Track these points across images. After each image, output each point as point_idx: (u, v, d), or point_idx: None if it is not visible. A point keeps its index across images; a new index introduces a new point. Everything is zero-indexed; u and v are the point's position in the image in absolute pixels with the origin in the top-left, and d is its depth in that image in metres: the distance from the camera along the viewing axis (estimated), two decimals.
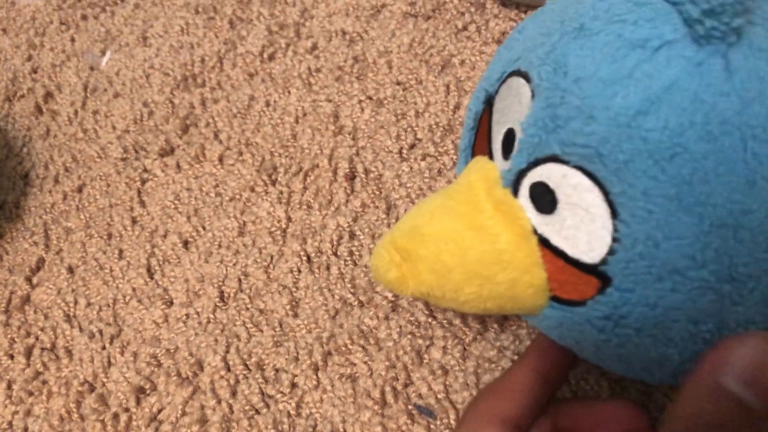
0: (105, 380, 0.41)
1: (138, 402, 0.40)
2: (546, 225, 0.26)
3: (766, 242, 0.23)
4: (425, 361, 0.38)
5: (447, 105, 0.46)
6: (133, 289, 0.44)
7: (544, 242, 0.27)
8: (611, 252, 0.24)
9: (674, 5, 0.23)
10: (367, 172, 0.45)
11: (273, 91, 0.50)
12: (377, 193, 0.44)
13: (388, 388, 0.37)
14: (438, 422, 0.36)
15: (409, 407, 0.36)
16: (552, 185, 0.25)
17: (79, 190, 0.50)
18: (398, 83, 0.48)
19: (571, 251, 0.26)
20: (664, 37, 0.23)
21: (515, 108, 0.28)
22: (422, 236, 0.29)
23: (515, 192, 0.27)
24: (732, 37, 0.22)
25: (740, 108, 0.22)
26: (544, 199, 0.26)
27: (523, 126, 0.26)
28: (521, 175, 0.27)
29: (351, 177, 0.45)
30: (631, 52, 0.24)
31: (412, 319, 0.39)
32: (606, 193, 0.24)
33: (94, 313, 0.44)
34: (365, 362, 0.38)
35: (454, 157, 0.43)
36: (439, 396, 0.36)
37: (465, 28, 0.49)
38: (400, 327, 0.39)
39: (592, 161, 0.24)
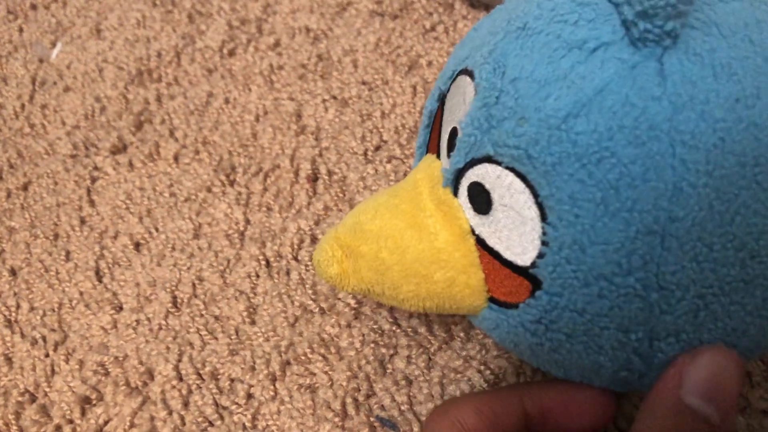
0: (47, 390, 0.38)
1: (83, 413, 0.37)
2: (483, 226, 0.26)
3: (693, 251, 0.23)
4: (388, 371, 0.36)
5: (414, 106, 0.44)
6: (80, 293, 0.42)
7: (481, 243, 0.27)
8: (540, 255, 0.24)
9: (615, 6, 0.23)
10: (330, 173, 0.43)
11: (233, 88, 0.48)
12: (341, 195, 0.42)
13: (349, 400, 0.35)
14: None
15: (371, 419, 0.35)
16: (487, 186, 0.25)
17: (25, 187, 0.47)
18: (364, 83, 0.46)
19: (505, 253, 0.26)
20: (601, 38, 0.23)
21: (460, 107, 0.27)
22: (363, 232, 0.29)
23: (455, 191, 0.27)
24: (667, 40, 0.22)
25: (671, 113, 0.22)
26: (481, 199, 0.26)
27: (461, 125, 0.26)
28: (459, 174, 0.27)
29: (313, 178, 0.43)
30: (569, 54, 0.23)
31: (375, 327, 0.37)
32: (536, 196, 0.24)
33: (37, 318, 0.41)
34: (325, 372, 0.36)
35: None
36: (402, 408, 0.35)
37: (433, 29, 0.48)
38: (363, 335, 0.37)
39: (522, 163, 0.24)
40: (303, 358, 0.37)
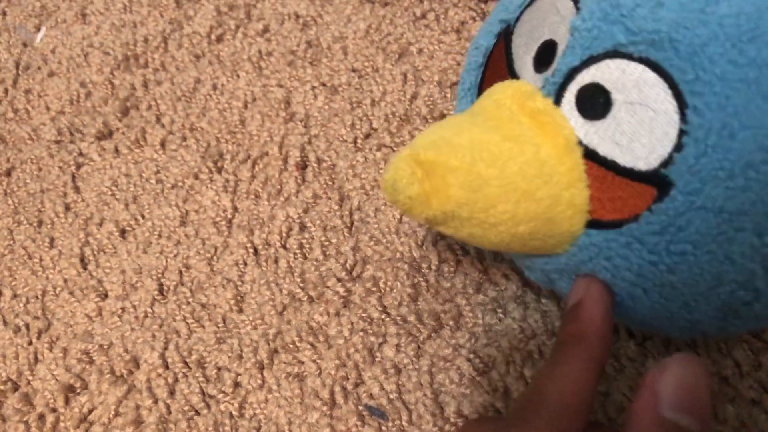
0: (30, 378, 0.38)
1: (67, 402, 0.37)
2: (594, 133, 0.25)
3: None
4: (377, 359, 0.36)
5: (404, 94, 0.44)
6: (65, 281, 0.41)
7: (589, 155, 0.25)
8: (678, 148, 0.23)
9: None
10: (319, 161, 0.43)
11: (221, 74, 0.48)
12: (330, 183, 0.42)
13: (337, 388, 0.35)
14: (390, 424, 0.34)
15: (360, 408, 0.34)
16: (607, 85, 0.24)
17: (8, 173, 0.46)
18: (353, 70, 0.46)
19: (624, 159, 0.24)
20: None
21: (552, 20, 0.26)
22: (452, 146, 0.25)
23: (557, 100, 0.25)
24: None
25: None
26: (595, 102, 0.24)
27: (575, 24, 0.25)
28: (569, 78, 0.25)
29: (302, 166, 0.43)
30: None
31: (364, 315, 0.37)
32: (674, 86, 0.23)
33: (20, 305, 0.40)
34: (314, 360, 0.36)
35: None
36: (391, 396, 0.35)
37: (423, 16, 0.47)
38: (352, 324, 0.37)
39: (662, 48, 0.23)
40: (291, 346, 0.36)
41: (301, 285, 0.38)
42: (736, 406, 0.32)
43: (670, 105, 0.23)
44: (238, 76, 0.47)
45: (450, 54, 0.45)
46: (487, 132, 0.25)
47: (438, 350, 0.35)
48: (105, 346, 0.38)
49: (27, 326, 0.39)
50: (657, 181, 0.24)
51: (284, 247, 0.40)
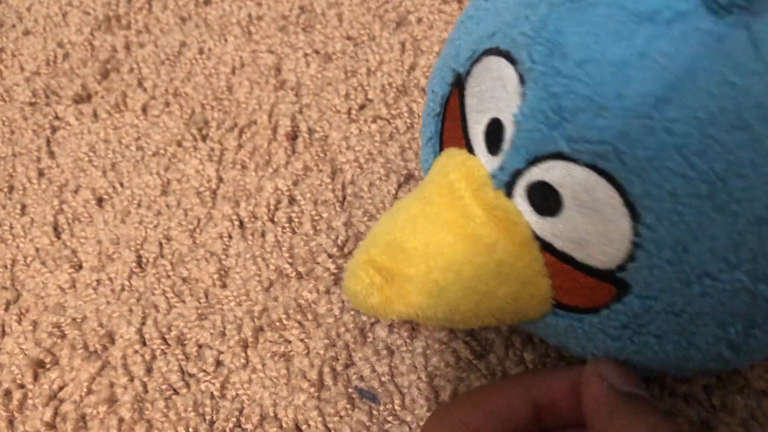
0: None
1: (36, 377, 0.34)
2: (549, 229, 0.23)
3: None
4: (369, 339, 0.34)
5: (402, 64, 0.42)
6: (36, 250, 0.39)
7: (547, 247, 0.24)
8: (631, 258, 0.22)
9: None
10: (311, 131, 0.40)
11: (208, 37, 0.45)
12: (322, 155, 0.40)
13: (326, 369, 0.33)
14: (381, 407, 0.32)
15: (350, 390, 0.33)
16: (556, 185, 0.22)
17: None
18: (349, 38, 0.44)
19: (581, 256, 0.23)
20: (675, 7, 0.20)
21: (499, 94, 0.24)
22: (406, 252, 0.25)
23: (509, 192, 0.24)
24: (758, 4, 0.19)
25: None
26: (547, 199, 0.23)
27: (517, 118, 0.23)
28: (517, 175, 0.23)
29: (293, 136, 0.41)
30: (639, 27, 0.20)
31: None
32: (624, 194, 0.21)
33: None
34: (301, 340, 0.34)
35: (408, 120, 0.40)
36: (383, 378, 0.33)
37: None
38: (343, 302, 0.35)
39: (608, 159, 0.21)
40: (277, 324, 0.35)
41: (289, 260, 0.36)
42: (745, 397, 0.31)
43: (622, 213, 0.21)
44: (225, 40, 0.45)
45: (451, 24, 0.43)
46: (442, 230, 0.25)
47: (433, 332, 0.34)
48: (78, 320, 0.36)
49: None
50: (614, 281, 0.23)
51: (272, 220, 0.38)
